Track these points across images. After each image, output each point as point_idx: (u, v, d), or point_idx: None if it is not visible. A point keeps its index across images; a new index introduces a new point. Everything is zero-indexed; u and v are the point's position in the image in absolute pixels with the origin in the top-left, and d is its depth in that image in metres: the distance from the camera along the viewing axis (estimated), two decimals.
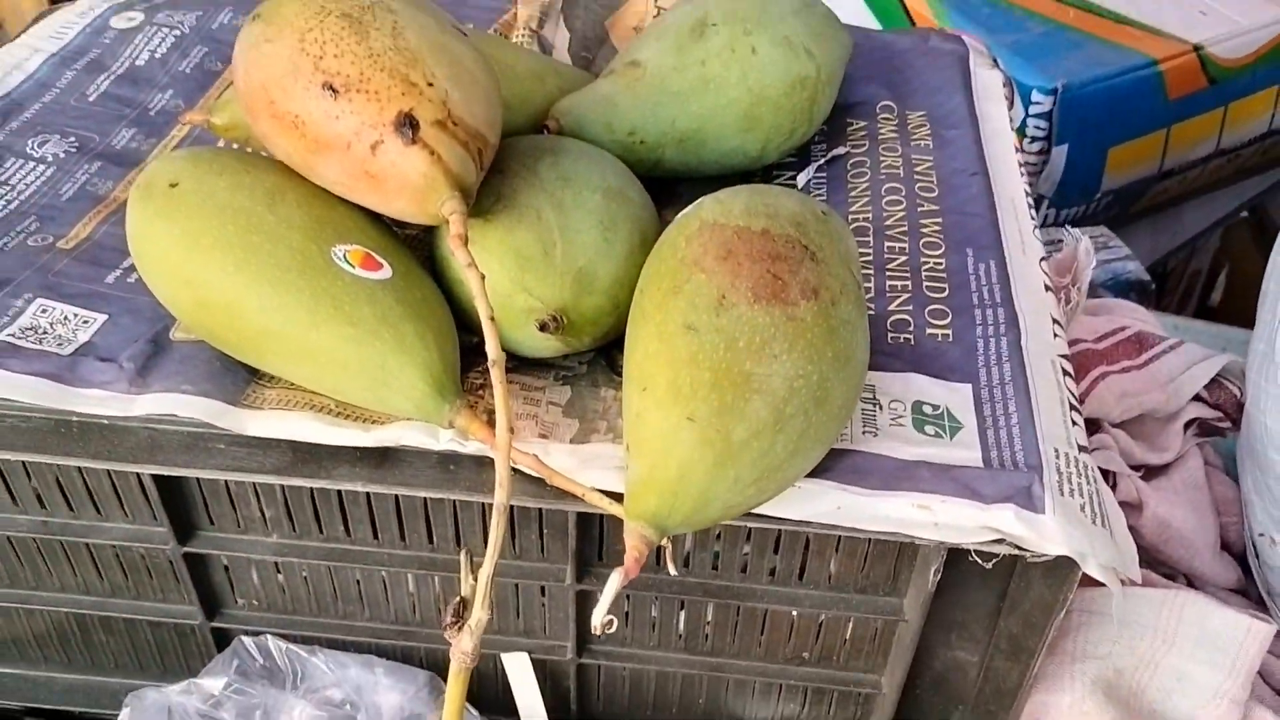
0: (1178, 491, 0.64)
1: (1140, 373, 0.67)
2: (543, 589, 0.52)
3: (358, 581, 0.53)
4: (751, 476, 0.41)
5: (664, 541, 0.41)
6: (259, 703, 0.54)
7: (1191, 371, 0.66)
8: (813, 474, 0.44)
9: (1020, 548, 0.43)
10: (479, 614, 0.41)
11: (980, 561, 0.44)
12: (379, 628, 0.55)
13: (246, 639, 0.55)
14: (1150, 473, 0.66)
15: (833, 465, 0.44)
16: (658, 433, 0.40)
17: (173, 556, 0.52)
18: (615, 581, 0.40)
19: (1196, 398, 0.68)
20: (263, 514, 0.51)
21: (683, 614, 0.53)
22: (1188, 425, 0.68)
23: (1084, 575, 0.43)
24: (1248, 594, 0.66)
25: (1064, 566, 0.44)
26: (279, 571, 0.53)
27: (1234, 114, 1.03)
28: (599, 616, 0.40)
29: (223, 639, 0.56)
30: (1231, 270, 1.34)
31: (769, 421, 0.40)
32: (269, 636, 0.55)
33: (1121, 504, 0.61)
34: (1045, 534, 0.42)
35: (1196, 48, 0.99)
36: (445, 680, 0.43)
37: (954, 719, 0.54)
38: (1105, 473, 0.63)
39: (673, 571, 0.43)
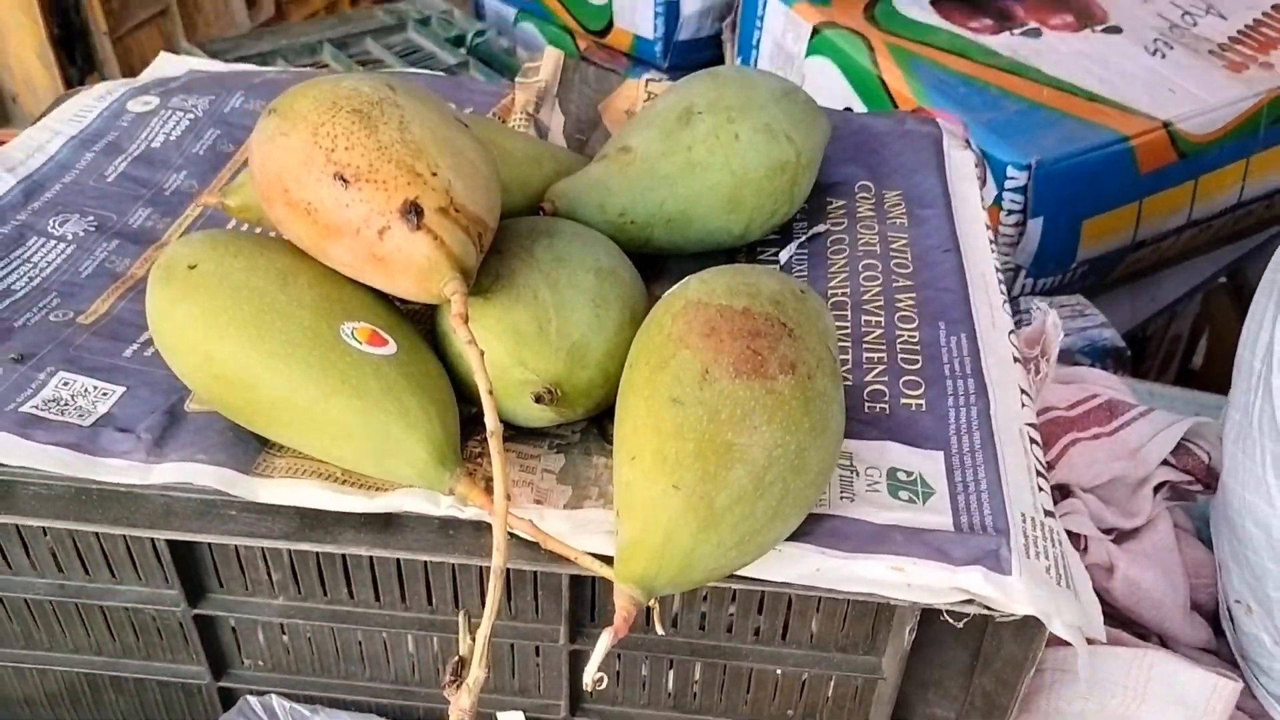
0: (1148, 554, 0.66)
1: (1110, 439, 0.69)
2: (537, 649, 0.54)
3: (359, 642, 0.55)
4: (734, 540, 0.43)
5: (652, 603, 0.44)
6: None
7: (1157, 438, 0.69)
8: (793, 538, 0.46)
9: (989, 608, 0.45)
10: (477, 673, 0.43)
11: (952, 621, 0.47)
12: (379, 687, 0.57)
13: (252, 698, 0.56)
14: (1121, 536, 0.68)
15: (812, 529, 0.46)
16: (645, 499, 0.43)
17: (183, 618, 0.54)
18: (605, 641, 0.42)
19: (1166, 462, 0.70)
20: (270, 577, 0.53)
21: (671, 673, 0.54)
22: (1158, 489, 0.69)
23: (1057, 635, 0.45)
24: (1218, 653, 0.68)
25: (1032, 626, 0.46)
26: (284, 632, 0.55)
27: (1204, 187, 1.07)
28: (590, 674, 0.42)
29: (229, 698, 0.58)
30: (1212, 334, 1.36)
31: (750, 489, 0.43)
32: (273, 696, 0.56)
33: (1093, 567, 0.63)
34: (1012, 595, 0.44)
35: (1166, 124, 1.02)
36: None
37: None
38: (1076, 536, 0.65)
39: (660, 631, 0.45)
